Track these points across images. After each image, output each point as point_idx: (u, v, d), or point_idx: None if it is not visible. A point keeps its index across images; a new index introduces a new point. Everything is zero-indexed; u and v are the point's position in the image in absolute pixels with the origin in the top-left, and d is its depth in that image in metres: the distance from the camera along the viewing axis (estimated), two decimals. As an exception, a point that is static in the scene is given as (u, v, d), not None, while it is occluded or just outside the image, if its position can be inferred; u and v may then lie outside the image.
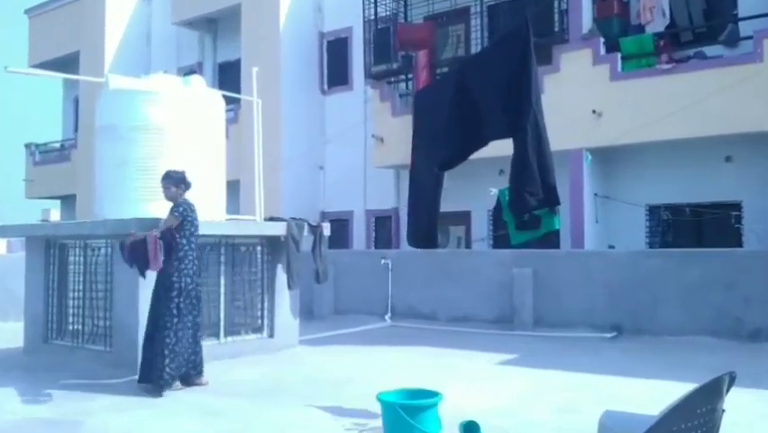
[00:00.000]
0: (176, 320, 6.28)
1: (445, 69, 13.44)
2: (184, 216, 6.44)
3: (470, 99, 4.07)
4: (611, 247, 12.11)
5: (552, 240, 11.24)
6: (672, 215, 12.28)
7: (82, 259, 8.15)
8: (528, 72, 3.72)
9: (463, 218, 14.07)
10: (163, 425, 5.31)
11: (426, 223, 4.18)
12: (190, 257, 6.44)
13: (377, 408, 5.63)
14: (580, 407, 5.52)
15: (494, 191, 5.21)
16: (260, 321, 8.69)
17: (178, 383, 6.41)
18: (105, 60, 18.94)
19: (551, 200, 3.88)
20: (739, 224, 11.42)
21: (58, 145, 22.39)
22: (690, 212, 11.87)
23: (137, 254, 6.76)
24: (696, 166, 11.70)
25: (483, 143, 4.13)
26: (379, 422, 5.03)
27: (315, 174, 15.98)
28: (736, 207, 11.46)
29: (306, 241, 9.08)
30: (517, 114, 3.78)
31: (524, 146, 3.75)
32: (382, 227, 15.38)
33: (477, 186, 12.36)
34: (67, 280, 8.33)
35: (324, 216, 15.30)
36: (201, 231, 7.68)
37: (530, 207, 3.91)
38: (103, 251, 7.83)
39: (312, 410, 5.67)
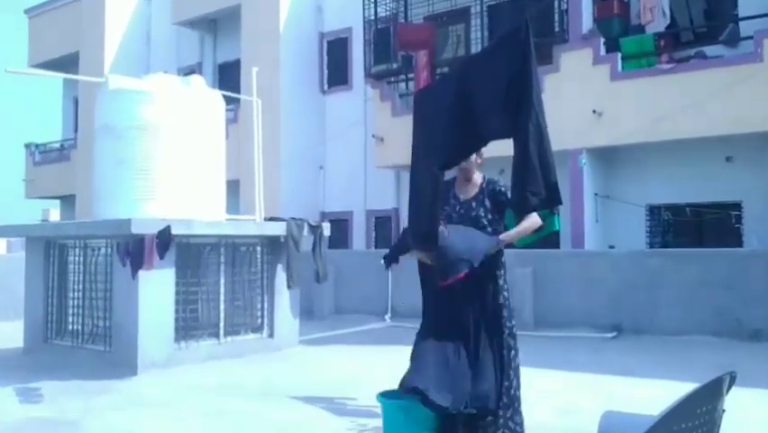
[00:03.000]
0: None
1: (446, 69, 13.44)
2: None
3: (470, 99, 4.05)
4: (611, 247, 12.11)
5: (552, 240, 11.24)
6: (673, 215, 12.28)
7: (82, 259, 8.15)
8: (529, 71, 3.70)
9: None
10: (163, 424, 5.31)
11: (427, 223, 4.16)
12: None
13: (378, 407, 5.63)
14: (581, 407, 5.52)
15: None
16: (259, 321, 8.69)
17: None
18: (104, 60, 18.95)
19: (553, 199, 3.85)
20: (739, 224, 11.42)
21: (57, 145, 22.39)
22: (691, 212, 11.88)
23: (132, 254, 6.77)
24: (696, 166, 11.70)
25: (484, 143, 4.11)
26: (379, 422, 5.03)
27: (315, 174, 15.98)
28: (737, 207, 11.46)
29: (306, 241, 9.08)
30: (518, 113, 3.76)
31: (525, 146, 3.73)
32: (382, 227, 15.38)
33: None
34: (67, 280, 8.33)
35: (323, 216, 15.30)
36: (201, 231, 7.71)
37: (532, 207, 3.89)
38: (103, 251, 7.82)
39: (313, 410, 5.67)
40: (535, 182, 3.73)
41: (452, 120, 4.13)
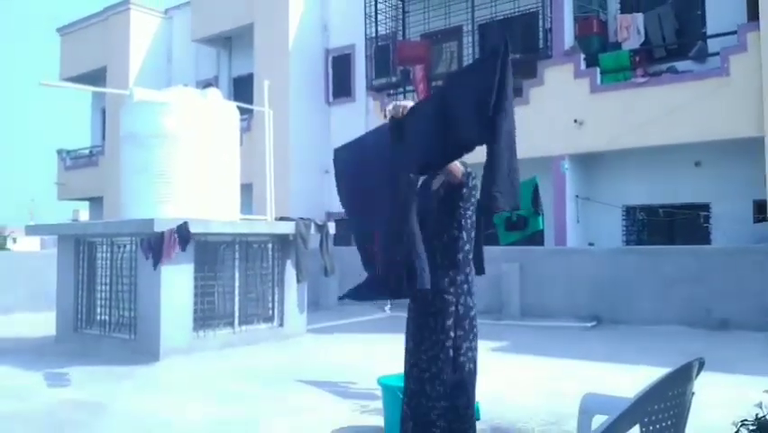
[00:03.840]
0: None
1: (440, 83, 13.44)
2: None
3: (447, 109, 4.05)
4: (591, 245, 12.11)
5: (537, 238, 11.25)
6: (647, 215, 12.27)
7: (109, 255, 8.14)
8: (504, 85, 3.70)
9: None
10: (183, 408, 5.30)
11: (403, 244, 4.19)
12: None
13: (378, 391, 5.63)
14: (563, 390, 5.52)
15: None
16: (271, 312, 8.69)
17: None
18: (129, 74, 18.94)
19: (516, 201, 3.84)
20: (708, 223, 11.41)
21: (87, 152, 22.36)
22: (663, 212, 11.87)
23: (154, 247, 6.79)
24: (668, 170, 11.70)
25: (466, 150, 4.10)
26: (380, 403, 5.03)
27: (322, 178, 15.95)
28: (705, 207, 11.45)
29: (314, 239, 9.08)
30: (492, 121, 3.77)
31: (499, 151, 3.73)
32: (382, 226, 15.34)
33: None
34: (95, 274, 8.33)
35: (329, 215, 15.28)
36: (218, 230, 7.71)
37: (498, 207, 3.86)
38: (128, 247, 7.82)
39: (320, 393, 5.67)
40: (504, 184, 3.74)
41: (434, 129, 4.13)
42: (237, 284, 8.19)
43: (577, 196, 12.31)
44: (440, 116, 4.08)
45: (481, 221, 4.60)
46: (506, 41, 3.62)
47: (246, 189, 12.12)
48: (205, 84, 17.02)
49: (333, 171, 5.47)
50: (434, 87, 13.01)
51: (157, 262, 7.05)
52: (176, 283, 7.36)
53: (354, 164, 4.93)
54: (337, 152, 5.50)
